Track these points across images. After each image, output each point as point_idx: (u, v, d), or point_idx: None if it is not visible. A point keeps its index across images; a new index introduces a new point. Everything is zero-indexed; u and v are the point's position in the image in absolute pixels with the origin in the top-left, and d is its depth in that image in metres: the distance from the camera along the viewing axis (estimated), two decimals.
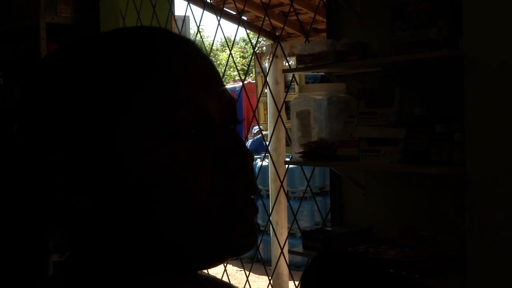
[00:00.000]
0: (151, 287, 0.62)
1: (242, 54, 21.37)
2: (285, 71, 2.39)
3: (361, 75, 2.22)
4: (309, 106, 2.21)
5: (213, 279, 0.75)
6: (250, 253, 7.53)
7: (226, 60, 5.25)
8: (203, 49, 0.65)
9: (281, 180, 2.95)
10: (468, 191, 1.74)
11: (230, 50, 3.03)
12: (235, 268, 6.74)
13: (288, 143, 6.21)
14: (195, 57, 0.62)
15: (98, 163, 0.58)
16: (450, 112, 1.90)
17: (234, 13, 5.59)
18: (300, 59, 2.14)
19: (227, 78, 20.06)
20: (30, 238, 0.63)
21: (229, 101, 0.63)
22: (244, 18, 5.65)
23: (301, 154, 2.20)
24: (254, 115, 3.27)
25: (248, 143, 8.86)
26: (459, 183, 1.84)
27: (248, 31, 4.97)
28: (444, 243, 1.95)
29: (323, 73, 2.29)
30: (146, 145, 0.57)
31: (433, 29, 1.88)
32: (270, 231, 5.61)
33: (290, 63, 7.58)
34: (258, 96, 7.54)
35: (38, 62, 0.62)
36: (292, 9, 3.43)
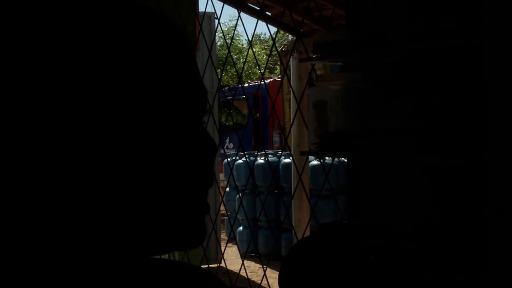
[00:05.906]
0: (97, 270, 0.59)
1: (269, 52, 21.36)
2: (301, 60, 2.36)
3: (378, 65, 2.18)
4: (325, 97, 2.18)
5: (169, 263, 0.72)
6: (272, 250, 7.48)
7: (246, 58, 5.22)
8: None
9: (299, 174, 2.91)
10: (486, 183, 1.70)
11: (252, 48, 3.01)
12: (258, 265, 6.73)
13: None
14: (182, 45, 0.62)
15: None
16: (469, 102, 1.85)
17: (257, 8, 5.57)
18: (316, 48, 2.11)
19: (252, 76, 20.05)
20: None
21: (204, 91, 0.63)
22: (268, 13, 5.63)
23: (317, 145, 2.17)
24: (273, 111, 3.25)
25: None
26: (476, 175, 1.79)
27: (275, 28, 4.94)
28: (461, 237, 1.91)
29: (341, 63, 2.26)
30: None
31: (452, 17, 1.83)
32: (291, 228, 5.59)
33: None
34: (279, 93, 7.52)
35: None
36: (314, 5, 3.40)
